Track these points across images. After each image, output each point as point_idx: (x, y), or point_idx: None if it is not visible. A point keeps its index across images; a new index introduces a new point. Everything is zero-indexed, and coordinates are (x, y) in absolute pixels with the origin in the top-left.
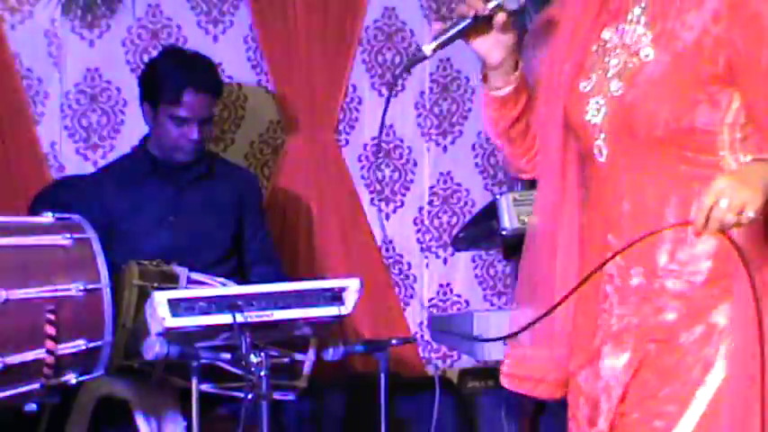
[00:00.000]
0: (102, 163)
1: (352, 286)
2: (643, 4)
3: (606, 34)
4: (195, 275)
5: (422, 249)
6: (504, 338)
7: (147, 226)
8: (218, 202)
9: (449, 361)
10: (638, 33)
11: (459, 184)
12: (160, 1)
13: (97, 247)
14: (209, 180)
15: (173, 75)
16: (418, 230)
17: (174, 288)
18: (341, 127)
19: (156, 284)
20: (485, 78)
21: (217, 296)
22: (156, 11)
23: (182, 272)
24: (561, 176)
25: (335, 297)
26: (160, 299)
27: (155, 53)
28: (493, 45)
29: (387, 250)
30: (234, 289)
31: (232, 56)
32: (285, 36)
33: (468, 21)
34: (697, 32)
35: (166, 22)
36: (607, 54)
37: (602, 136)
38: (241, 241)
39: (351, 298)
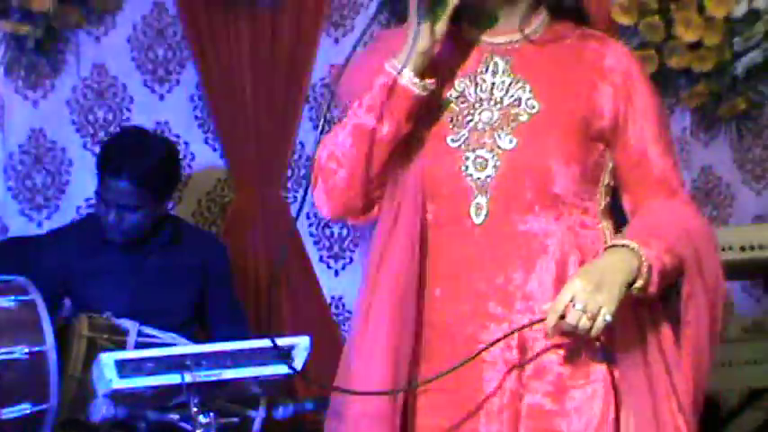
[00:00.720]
0: (47, 224)
1: (301, 344)
2: (509, 57)
3: (460, 86)
4: (147, 329)
5: None
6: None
7: (107, 291)
8: (182, 270)
9: None
10: (510, 85)
11: None
12: (105, 60)
13: (42, 309)
14: (173, 247)
15: (108, 154)
16: None
17: (123, 344)
18: (289, 184)
19: (105, 336)
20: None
21: (165, 356)
22: (102, 70)
23: (132, 326)
24: (415, 241)
25: (285, 355)
26: (107, 360)
27: (100, 113)
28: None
29: (336, 307)
30: (182, 348)
31: (179, 114)
32: (232, 94)
33: None
34: (586, 87)
35: (112, 81)
36: (472, 107)
37: (487, 194)
38: (205, 308)
39: (300, 356)
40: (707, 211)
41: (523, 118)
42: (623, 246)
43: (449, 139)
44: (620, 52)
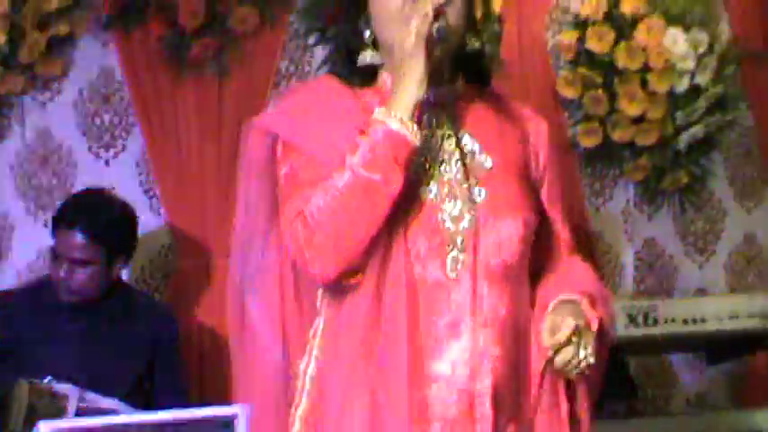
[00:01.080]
0: None
1: (242, 413)
2: (447, 112)
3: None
4: (89, 395)
5: None
6: None
7: (54, 356)
8: (131, 341)
9: None
10: (460, 138)
11: None
12: (51, 125)
13: None
14: (124, 317)
15: (65, 207)
16: None
17: (63, 411)
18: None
19: (46, 402)
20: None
21: (104, 425)
22: (46, 135)
23: (72, 392)
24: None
25: (226, 424)
26: (45, 429)
27: (44, 179)
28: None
29: None
30: (123, 418)
31: (124, 180)
32: (177, 161)
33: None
34: (517, 143)
35: (57, 146)
36: (433, 159)
37: (460, 248)
38: (152, 378)
39: (242, 425)
40: (650, 284)
41: (483, 170)
42: (573, 301)
43: (420, 190)
44: (534, 115)
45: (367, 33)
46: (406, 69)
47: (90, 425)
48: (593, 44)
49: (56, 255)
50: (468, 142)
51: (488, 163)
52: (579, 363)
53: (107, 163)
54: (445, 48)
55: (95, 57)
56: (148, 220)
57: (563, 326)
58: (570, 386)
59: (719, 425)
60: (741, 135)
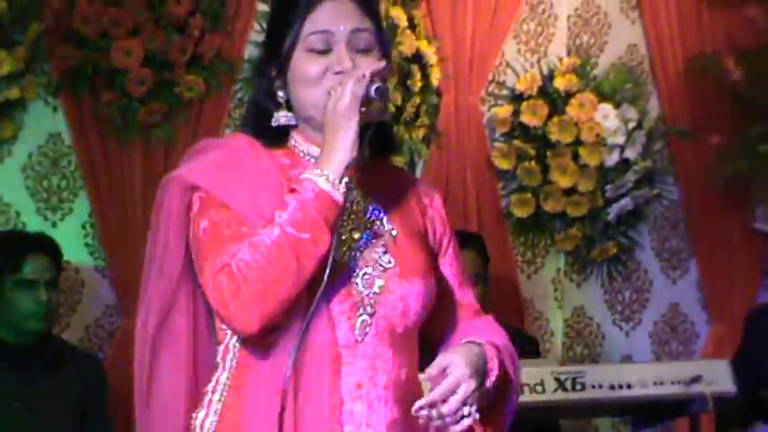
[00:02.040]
0: None
1: None
2: (361, 181)
3: None
4: None
5: None
6: None
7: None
8: (64, 389)
9: None
10: (365, 206)
11: None
12: (1, 189)
13: None
14: (55, 367)
15: (10, 246)
16: None
17: None
18: None
19: None
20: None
21: None
22: None
23: None
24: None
25: None
26: None
27: None
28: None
29: None
30: None
31: (70, 241)
32: (123, 223)
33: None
34: (416, 214)
35: (5, 208)
36: (341, 225)
37: (369, 312)
38: (85, 426)
39: None
40: (578, 350)
41: (390, 238)
42: (478, 344)
43: (338, 256)
44: (429, 188)
45: (281, 94)
46: (338, 130)
47: None
48: (527, 118)
49: (29, 283)
50: (374, 209)
51: (394, 231)
52: (462, 417)
53: (54, 225)
54: (380, 108)
55: (45, 121)
56: (93, 281)
57: (453, 371)
58: None
59: None
60: (668, 208)
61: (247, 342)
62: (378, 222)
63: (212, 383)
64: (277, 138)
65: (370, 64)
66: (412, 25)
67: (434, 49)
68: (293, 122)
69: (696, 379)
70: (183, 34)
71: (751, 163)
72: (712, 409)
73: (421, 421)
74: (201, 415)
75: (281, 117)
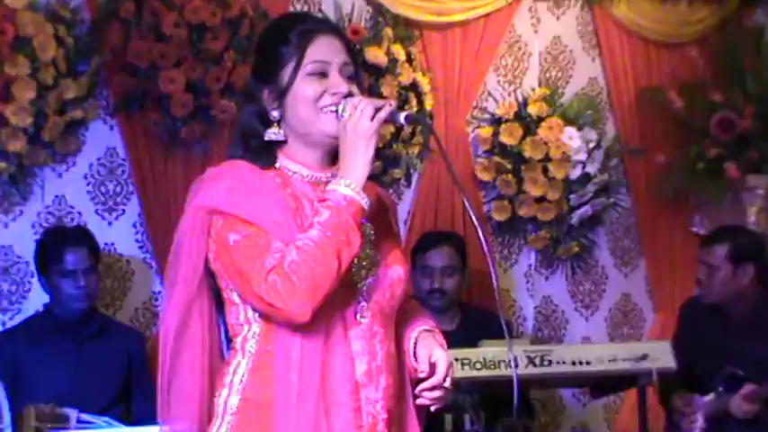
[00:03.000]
0: (9, 323)
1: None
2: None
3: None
4: (84, 416)
5: None
6: None
7: (50, 375)
8: (110, 356)
9: None
10: None
11: None
12: (66, 192)
13: (1, 393)
14: (102, 338)
15: (54, 241)
16: None
17: (65, 428)
18: None
19: (49, 425)
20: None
21: None
22: (62, 200)
23: (72, 413)
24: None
25: None
26: None
27: None
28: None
29: None
30: (117, 429)
31: (123, 237)
32: (167, 222)
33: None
34: (390, 221)
35: (69, 209)
36: None
37: (366, 299)
38: (129, 391)
39: None
40: (546, 332)
41: (372, 237)
42: (430, 331)
43: None
44: (386, 192)
45: (276, 114)
46: (360, 147)
47: None
48: (505, 138)
49: (69, 272)
50: None
51: (374, 232)
52: (444, 398)
53: (109, 224)
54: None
55: (103, 137)
56: (142, 271)
57: (437, 358)
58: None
59: None
60: (621, 214)
61: (274, 332)
62: (364, 226)
63: (232, 368)
64: (264, 158)
65: (358, 94)
66: (409, 59)
67: (428, 79)
68: (281, 138)
69: (643, 357)
70: (218, 66)
71: (690, 178)
72: (656, 381)
73: (419, 399)
74: (224, 394)
75: (272, 133)
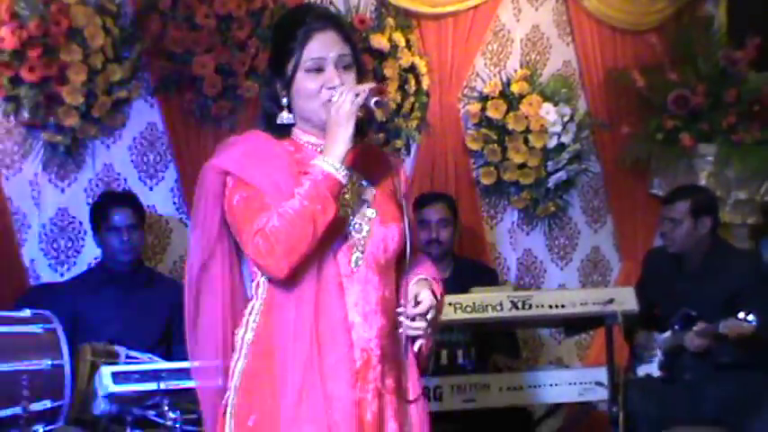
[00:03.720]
0: (67, 275)
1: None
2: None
3: None
4: (132, 353)
5: None
6: None
7: (103, 319)
8: (154, 303)
9: None
10: (352, 175)
11: None
12: (113, 161)
13: (61, 334)
14: (148, 288)
15: (104, 203)
16: None
17: (116, 363)
18: None
19: (102, 360)
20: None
21: (146, 370)
22: (110, 168)
23: (121, 350)
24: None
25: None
26: (106, 371)
27: None
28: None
29: None
30: (159, 364)
31: (162, 200)
32: None
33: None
34: (389, 176)
35: (116, 176)
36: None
37: (361, 251)
38: (170, 334)
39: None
40: (527, 280)
41: (371, 196)
42: (425, 279)
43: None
44: (395, 158)
45: (285, 101)
46: (340, 128)
47: (136, 369)
48: (491, 113)
49: (116, 228)
50: (360, 177)
51: (373, 191)
52: (426, 330)
53: (151, 189)
54: (380, 111)
55: (144, 114)
56: (179, 230)
57: (423, 298)
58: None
59: (570, 377)
60: (591, 179)
61: (275, 281)
62: (363, 186)
63: (248, 309)
64: (283, 130)
65: (353, 80)
66: (408, 45)
67: (425, 62)
68: (292, 122)
69: (610, 301)
70: (243, 52)
71: (650, 147)
72: (621, 322)
73: (399, 330)
74: (241, 332)
75: (284, 118)
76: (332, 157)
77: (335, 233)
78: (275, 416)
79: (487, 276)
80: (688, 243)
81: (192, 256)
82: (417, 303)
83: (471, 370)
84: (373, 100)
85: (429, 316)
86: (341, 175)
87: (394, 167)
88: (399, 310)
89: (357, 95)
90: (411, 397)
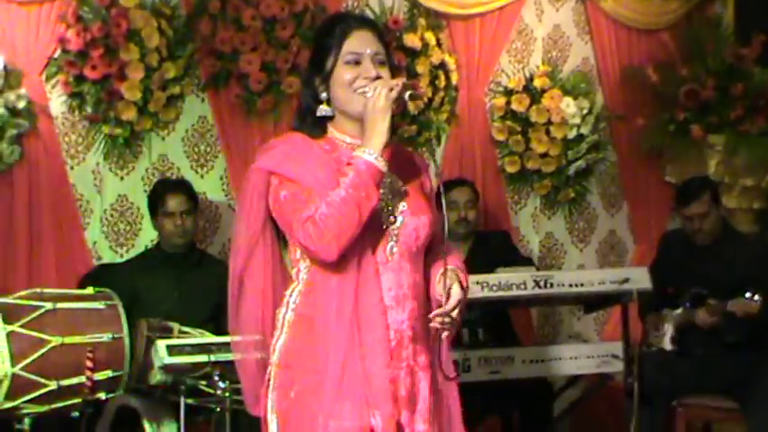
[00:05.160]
0: (126, 256)
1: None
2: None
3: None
4: (185, 329)
5: None
6: None
7: (159, 297)
8: (205, 283)
9: None
10: (389, 173)
11: None
12: (167, 151)
13: (121, 310)
14: (200, 268)
15: (160, 189)
16: None
17: (170, 337)
18: None
19: (157, 334)
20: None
21: (198, 343)
22: (164, 158)
23: (175, 326)
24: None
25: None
26: (161, 344)
27: None
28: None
29: None
30: (209, 338)
31: (213, 187)
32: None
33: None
34: (418, 174)
35: (170, 165)
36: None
37: (395, 240)
38: (221, 312)
39: None
40: (549, 261)
41: (403, 191)
42: (455, 269)
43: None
44: (420, 157)
45: (324, 95)
46: (377, 120)
47: (188, 342)
48: (515, 106)
49: (168, 216)
50: (393, 174)
51: (405, 187)
52: (451, 327)
53: (202, 177)
54: (413, 104)
55: (196, 108)
56: (227, 214)
57: (453, 293)
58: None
59: (588, 351)
60: (608, 167)
61: (317, 265)
62: (396, 182)
63: (290, 290)
64: (318, 129)
65: (387, 75)
66: (438, 44)
67: (454, 59)
68: (330, 114)
69: (626, 280)
70: (286, 50)
71: (663, 137)
72: (636, 299)
73: (431, 323)
74: (282, 311)
75: (323, 110)
76: (372, 148)
77: (372, 224)
78: (316, 389)
79: (502, 237)
80: (717, 229)
81: (236, 250)
82: (448, 297)
83: (493, 345)
84: (408, 93)
85: (455, 313)
86: (381, 164)
87: (421, 166)
88: (440, 298)
89: (391, 90)
90: (450, 375)
